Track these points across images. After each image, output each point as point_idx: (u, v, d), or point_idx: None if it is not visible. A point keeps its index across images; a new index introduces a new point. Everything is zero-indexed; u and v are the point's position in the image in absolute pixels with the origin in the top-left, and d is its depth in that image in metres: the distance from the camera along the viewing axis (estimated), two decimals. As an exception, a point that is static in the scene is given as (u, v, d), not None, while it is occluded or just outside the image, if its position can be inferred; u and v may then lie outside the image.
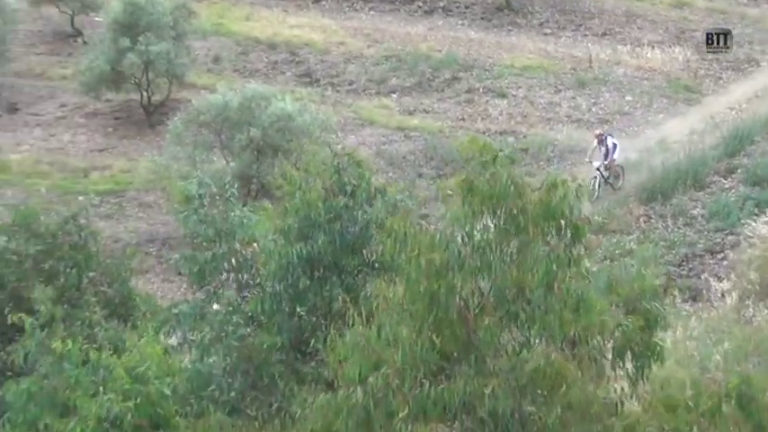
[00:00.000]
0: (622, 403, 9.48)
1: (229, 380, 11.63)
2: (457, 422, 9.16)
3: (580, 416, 8.97)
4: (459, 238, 9.09)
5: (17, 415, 10.55)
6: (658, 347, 9.46)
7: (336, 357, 9.51)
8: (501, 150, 9.40)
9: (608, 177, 26.45)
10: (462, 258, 9.00)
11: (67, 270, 13.69)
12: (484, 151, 9.15)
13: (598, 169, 28.29)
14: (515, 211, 8.91)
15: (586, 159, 26.31)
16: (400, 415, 8.76)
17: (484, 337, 9.08)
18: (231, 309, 12.02)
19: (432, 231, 9.31)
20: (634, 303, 9.57)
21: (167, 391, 10.50)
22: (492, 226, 9.10)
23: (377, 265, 11.52)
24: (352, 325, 9.55)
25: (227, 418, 11.09)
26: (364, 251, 11.68)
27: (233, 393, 11.52)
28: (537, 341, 9.21)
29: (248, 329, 11.80)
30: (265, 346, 11.51)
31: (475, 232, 9.07)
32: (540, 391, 9.10)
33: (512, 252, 8.99)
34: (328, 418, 9.31)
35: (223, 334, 11.78)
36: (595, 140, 28.35)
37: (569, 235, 9.08)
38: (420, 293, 9.07)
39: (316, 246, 11.42)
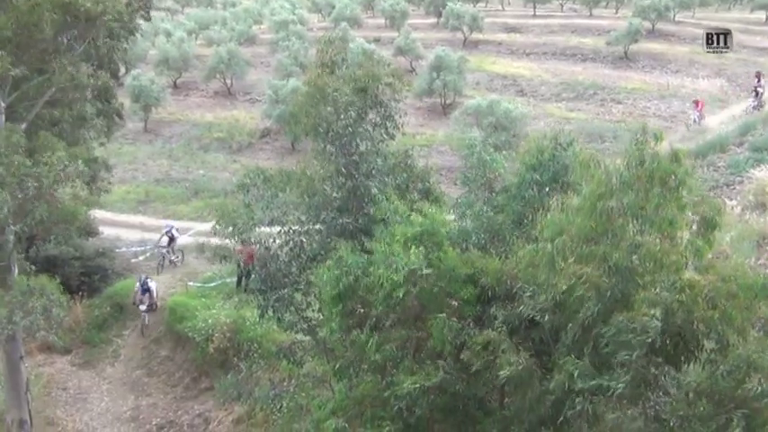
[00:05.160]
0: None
1: (480, 235, 11.34)
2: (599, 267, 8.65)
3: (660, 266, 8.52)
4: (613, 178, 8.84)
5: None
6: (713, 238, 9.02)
7: (542, 225, 9.38)
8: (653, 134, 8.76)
9: None
10: (613, 185, 8.75)
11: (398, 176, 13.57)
12: (643, 134, 8.78)
13: None
14: (646, 171, 8.71)
15: None
16: (570, 260, 8.73)
17: (618, 227, 8.76)
18: (484, 202, 11.94)
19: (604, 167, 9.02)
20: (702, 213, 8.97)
21: (444, 231, 10.37)
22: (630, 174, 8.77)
23: (567, 186, 10.67)
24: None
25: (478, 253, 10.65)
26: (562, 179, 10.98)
27: (482, 242, 11.27)
28: (649, 233, 8.80)
29: (491, 212, 11.54)
30: (500, 220, 11.36)
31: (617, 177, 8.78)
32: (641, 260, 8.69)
33: (639, 190, 8.70)
34: (531, 256, 9.36)
35: (479, 212, 11.65)
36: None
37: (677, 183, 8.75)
38: (589, 200, 8.85)
39: (542, 175, 11.08)
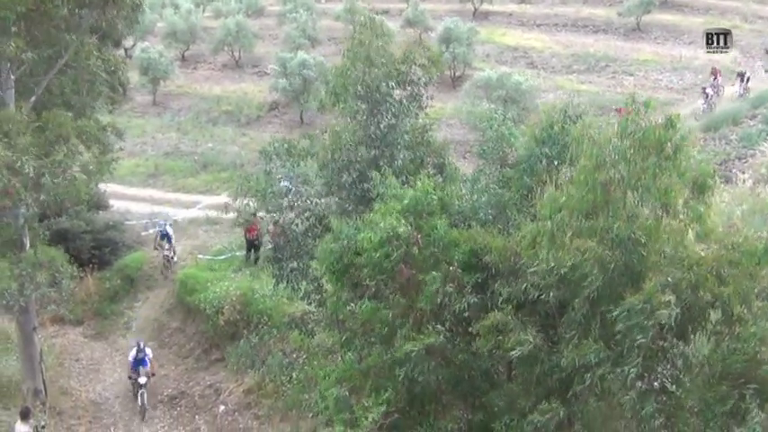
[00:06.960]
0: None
1: (488, 211, 11.31)
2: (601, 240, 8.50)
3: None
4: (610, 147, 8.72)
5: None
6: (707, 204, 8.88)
7: (541, 203, 9.27)
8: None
9: None
10: (605, 158, 8.65)
11: (416, 150, 13.56)
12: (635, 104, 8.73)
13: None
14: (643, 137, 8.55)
15: None
16: (569, 234, 8.63)
17: (617, 199, 8.64)
18: (492, 177, 11.98)
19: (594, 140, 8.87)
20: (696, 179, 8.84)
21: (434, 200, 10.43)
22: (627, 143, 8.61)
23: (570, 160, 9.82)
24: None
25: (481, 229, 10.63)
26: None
27: (490, 217, 11.25)
28: (645, 205, 8.64)
29: (498, 188, 11.53)
30: (506, 198, 11.29)
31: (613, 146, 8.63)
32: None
33: (635, 159, 8.54)
34: (533, 236, 9.22)
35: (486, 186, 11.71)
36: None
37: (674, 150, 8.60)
38: (584, 171, 8.74)
39: (552, 149, 10.94)
